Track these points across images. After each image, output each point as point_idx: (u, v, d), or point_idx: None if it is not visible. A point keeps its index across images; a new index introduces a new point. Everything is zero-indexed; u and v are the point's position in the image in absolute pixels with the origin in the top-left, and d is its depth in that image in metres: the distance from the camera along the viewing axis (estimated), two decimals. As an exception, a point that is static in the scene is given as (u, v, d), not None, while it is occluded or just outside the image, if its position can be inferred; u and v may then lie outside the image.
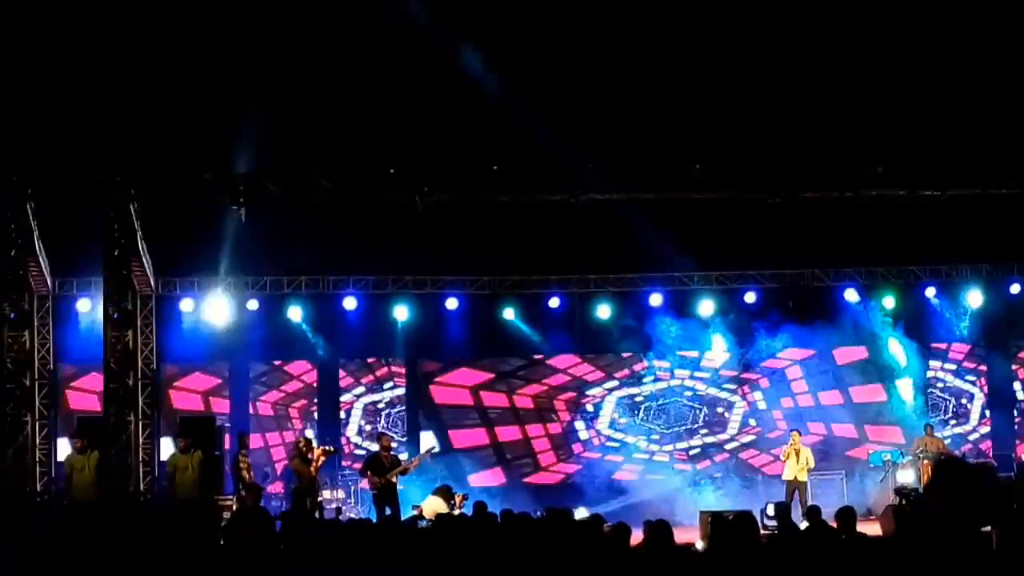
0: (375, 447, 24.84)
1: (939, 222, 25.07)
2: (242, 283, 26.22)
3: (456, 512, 21.97)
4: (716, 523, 11.60)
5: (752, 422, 28.41)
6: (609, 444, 28.30)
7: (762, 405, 28.40)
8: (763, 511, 20.83)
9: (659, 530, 11.45)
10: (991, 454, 27.35)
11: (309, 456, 23.23)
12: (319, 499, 23.01)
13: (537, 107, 23.22)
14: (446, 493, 22.21)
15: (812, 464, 24.64)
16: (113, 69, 22.15)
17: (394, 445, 25.16)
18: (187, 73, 22.35)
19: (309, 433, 26.14)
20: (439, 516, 14.09)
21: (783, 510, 16.63)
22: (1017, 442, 27.95)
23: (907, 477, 24.89)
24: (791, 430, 25.17)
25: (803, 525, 21.73)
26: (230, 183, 22.87)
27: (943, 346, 28.62)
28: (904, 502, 23.07)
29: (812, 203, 24.81)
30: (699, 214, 25.03)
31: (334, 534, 12.92)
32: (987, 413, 28.64)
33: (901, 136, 23.92)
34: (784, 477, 24.45)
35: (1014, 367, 28.72)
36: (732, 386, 28.57)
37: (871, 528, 22.50)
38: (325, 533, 13.36)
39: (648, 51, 23.47)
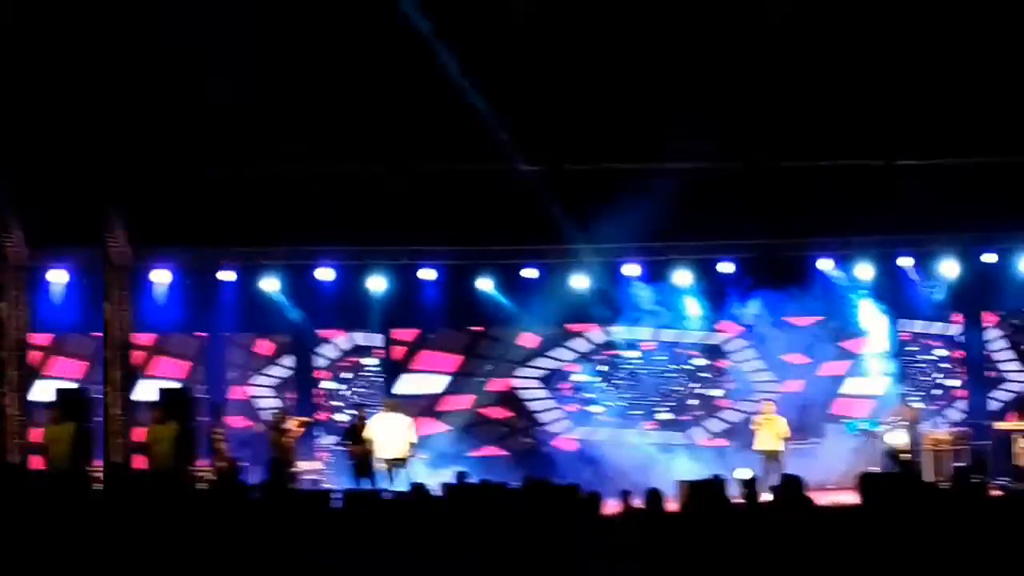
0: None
1: (915, 192, 25.09)
2: (217, 254, 26.11)
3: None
4: (692, 490, 11.58)
5: (727, 391, 28.42)
6: (583, 413, 28.27)
7: (737, 374, 28.40)
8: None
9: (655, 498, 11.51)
10: (966, 423, 27.37)
11: (285, 427, 23.24)
12: (295, 470, 23.02)
13: (514, 79, 23.23)
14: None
15: (786, 434, 24.70)
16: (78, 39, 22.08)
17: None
18: (158, 40, 22.23)
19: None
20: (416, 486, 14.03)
21: (750, 481, 16.61)
22: (991, 411, 28.02)
23: (897, 439, 24.98)
24: (764, 400, 25.22)
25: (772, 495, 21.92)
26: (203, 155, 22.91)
27: (918, 316, 28.65)
28: (894, 463, 23.16)
29: (788, 172, 24.84)
30: (674, 183, 25.00)
31: (312, 505, 12.93)
32: (962, 383, 28.71)
33: (877, 106, 23.94)
34: (756, 447, 24.50)
35: (988, 337, 28.78)
36: (707, 355, 28.57)
37: (848, 497, 22.66)
38: (303, 504, 13.37)
39: (623, 17, 23.40)
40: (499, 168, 24.48)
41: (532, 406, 28.36)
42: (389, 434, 23.29)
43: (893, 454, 24.23)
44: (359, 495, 12.81)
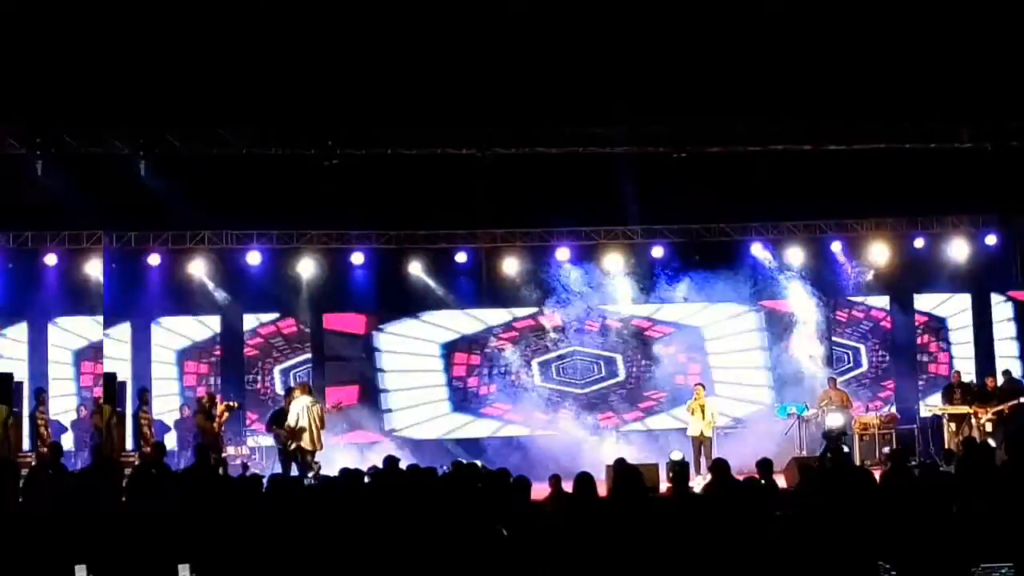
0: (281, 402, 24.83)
1: (844, 177, 25.20)
2: (144, 237, 25.90)
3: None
4: (620, 474, 11.53)
5: (657, 375, 28.45)
6: (512, 396, 28.24)
7: (667, 358, 28.43)
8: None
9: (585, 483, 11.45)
10: (894, 407, 27.52)
11: (212, 411, 23.08)
12: (223, 455, 22.88)
13: (443, 62, 23.11)
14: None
15: (717, 420, 24.79)
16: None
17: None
18: (84, 23, 21.96)
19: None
20: (346, 471, 13.91)
21: (680, 464, 16.65)
22: (919, 395, 28.21)
23: (836, 421, 25.07)
24: (695, 385, 25.26)
25: (706, 479, 21.97)
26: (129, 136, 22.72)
27: (848, 300, 28.80)
28: (832, 445, 23.23)
29: (718, 158, 24.88)
30: (606, 169, 25.00)
31: (242, 490, 12.81)
32: (890, 367, 28.88)
33: (805, 90, 23.98)
34: (689, 433, 24.52)
35: (917, 320, 28.97)
36: (637, 339, 28.58)
37: (777, 480, 22.75)
38: (232, 489, 13.25)
39: (555, 6, 23.35)
40: (429, 152, 24.37)
41: (463, 390, 28.24)
42: (309, 420, 23.16)
43: (833, 436, 24.30)
44: (284, 481, 12.69)
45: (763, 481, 14.37)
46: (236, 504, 11.55)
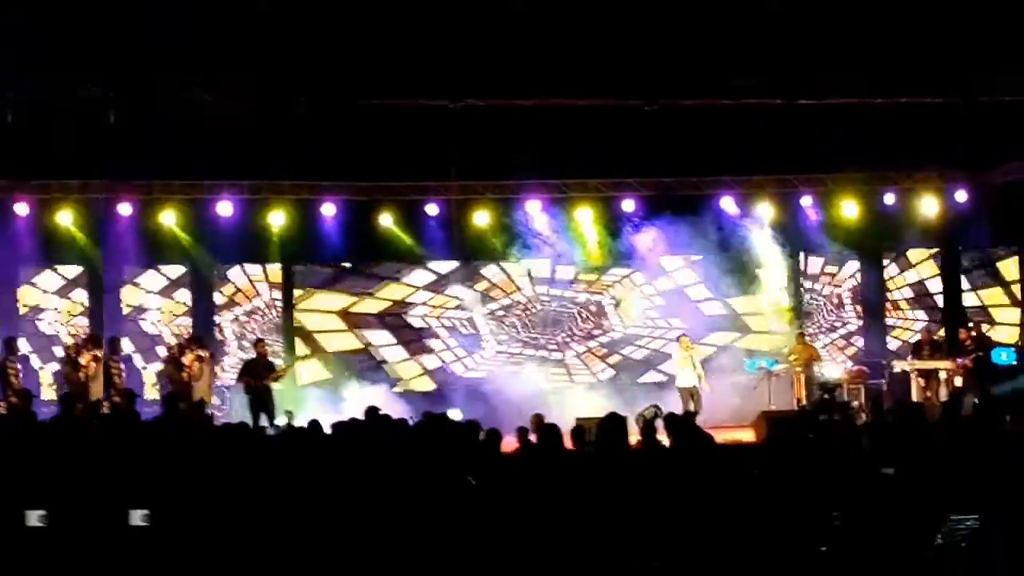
0: (251, 354, 24.86)
1: (816, 131, 25.22)
2: (111, 187, 25.76)
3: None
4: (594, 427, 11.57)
5: (626, 328, 28.52)
6: (478, 347, 28.34)
7: (636, 310, 28.48)
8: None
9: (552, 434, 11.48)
10: (863, 362, 27.60)
11: (182, 361, 23.08)
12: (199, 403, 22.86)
13: (417, 13, 23.06)
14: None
15: (700, 370, 24.78)
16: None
17: (269, 351, 25.12)
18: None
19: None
20: (314, 422, 13.92)
21: (649, 419, 16.62)
22: (888, 351, 28.31)
23: (834, 372, 25.23)
24: (679, 336, 25.22)
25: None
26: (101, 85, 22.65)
27: (817, 255, 28.85)
28: (828, 396, 23.27)
29: (689, 111, 24.88)
30: (578, 121, 24.99)
31: (211, 439, 12.82)
32: (860, 322, 28.98)
33: (777, 44, 23.99)
34: (678, 384, 24.53)
35: (886, 276, 29.06)
36: (610, 292, 28.60)
37: (744, 435, 22.85)
38: (202, 438, 13.26)
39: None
40: (401, 103, 24.34)
41: (430, 343, 28.25)
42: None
43: (830, 387, 24.38)
44: (249, 431, 12.71)
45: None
46: (195, 453, 11.55)
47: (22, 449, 11.84)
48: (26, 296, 26.78)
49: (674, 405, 21.20)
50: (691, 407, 23.54)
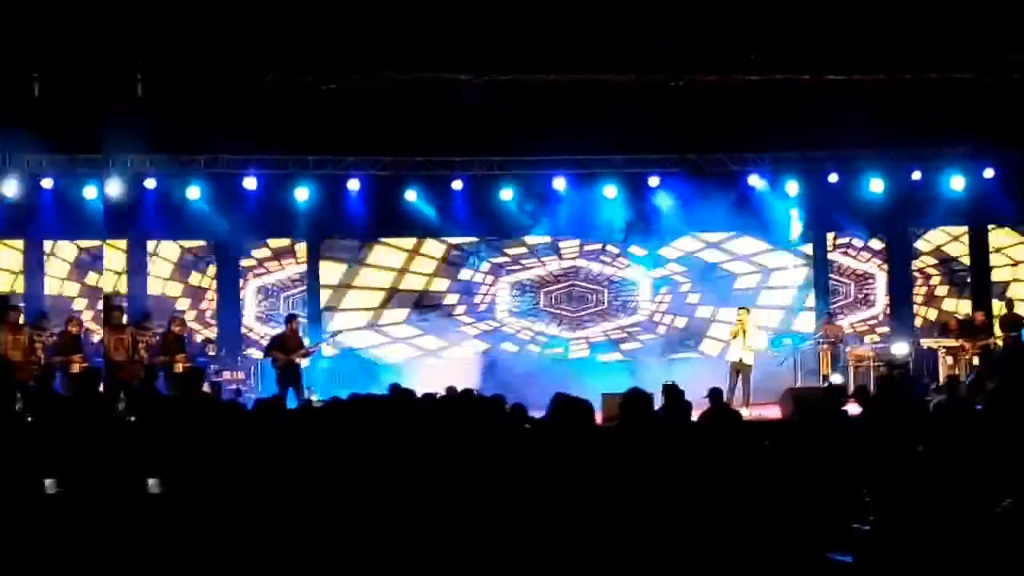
0: (277, 329, 24.91)
1: (843, 108, 25.10)
2: (141, 161, 25.77)
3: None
4: (617, 403, 11.48)
5: (654, 305, 28.48)
6: (508, 327, 28.31)
7: (669, 288, 28.49)
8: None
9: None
10: (890, 340, 27.54)
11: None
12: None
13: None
14: None
15: (759, 346, 24.56)
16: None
17: (302, 325, 25.17)
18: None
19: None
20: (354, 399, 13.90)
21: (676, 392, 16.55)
22: (915, 328, 28.24)
23: (900, 350, 25.18)
24: (739, 308, 25.07)
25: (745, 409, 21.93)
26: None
27: (845, 232, 28.77)
28: (896, 374, 23.17)
29: (716, 87, 24.79)
30: (603, 96, 24.92)
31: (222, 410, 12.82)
32: (886, 299, 28.89)
33: (804, 18, 23.86)
34: (727, 357, 24.40)
35: (913, 254, 28.95)
36: (637, 269, 28.53)
37: (770, 411, 22.80)
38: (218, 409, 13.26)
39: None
40: (426, 78, 24.30)
41: (459, 318, 28.24)
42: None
43: (894, 365, 24.33)
44: (268, 403, 12.68)
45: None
46: (214, 424, 11.54)
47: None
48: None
49: (706, 380, 20.80)
50: (735, 382, 23.44)
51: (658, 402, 11.79)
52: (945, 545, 7.93)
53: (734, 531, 8.43)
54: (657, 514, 8.49)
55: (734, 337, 24.15)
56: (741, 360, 23.82)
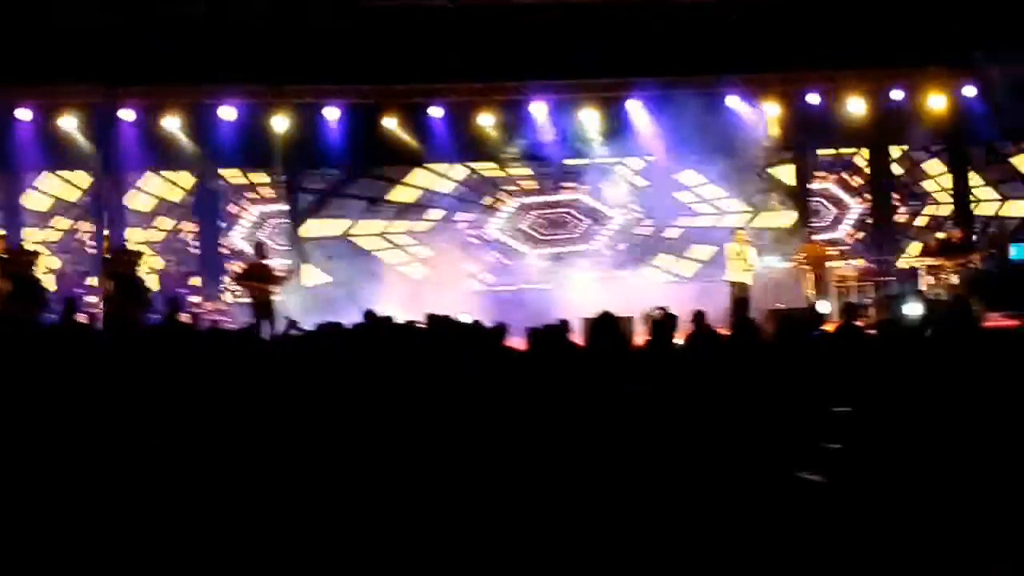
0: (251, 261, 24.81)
1: (822, 27, 25.01)
2: (115, 92, 25.59)
3: None
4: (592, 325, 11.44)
5: (634, 228, 28.46)
6: (488, 251, 28.27)
7: (644, 210, 28.44)
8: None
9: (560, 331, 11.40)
10: (872, 259, 27.59)
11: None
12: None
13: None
14: None
15: (755, 265, 24.61)
16: None
17: (271, 256, 25.05)
18: None
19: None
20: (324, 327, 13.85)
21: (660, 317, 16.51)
22: (896, 248, 28.27)
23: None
24: (735, 229, 25.05)
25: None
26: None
27: (826, 152, 28.73)
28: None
29: (693, 7, 24.68)
30: (581, 19, 24.82)
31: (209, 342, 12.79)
32: (867, 220, 28.88)
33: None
34: (726, 278, 24.39)
35: (894, 174, 28.93)
36: (618, 192, 28.44)
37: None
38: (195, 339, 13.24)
39: None
40: (402, 3, 24.18)
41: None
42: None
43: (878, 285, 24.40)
44: (254, 337, 12.67)
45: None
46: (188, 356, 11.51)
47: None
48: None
49: (690, 302, 20.57)
50: (741, 302, 23.49)
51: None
52: (917, 463, 7.92)
53: (705, 451, 8.40)
54: (626, 436, 8.47)
55: (734, 257, 24.19)
56: (740, 280, 23.90)
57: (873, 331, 13.72)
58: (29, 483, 7.69)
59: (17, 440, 8.28)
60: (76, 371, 10.45)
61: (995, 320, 20.86)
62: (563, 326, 11.85)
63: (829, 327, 15.77)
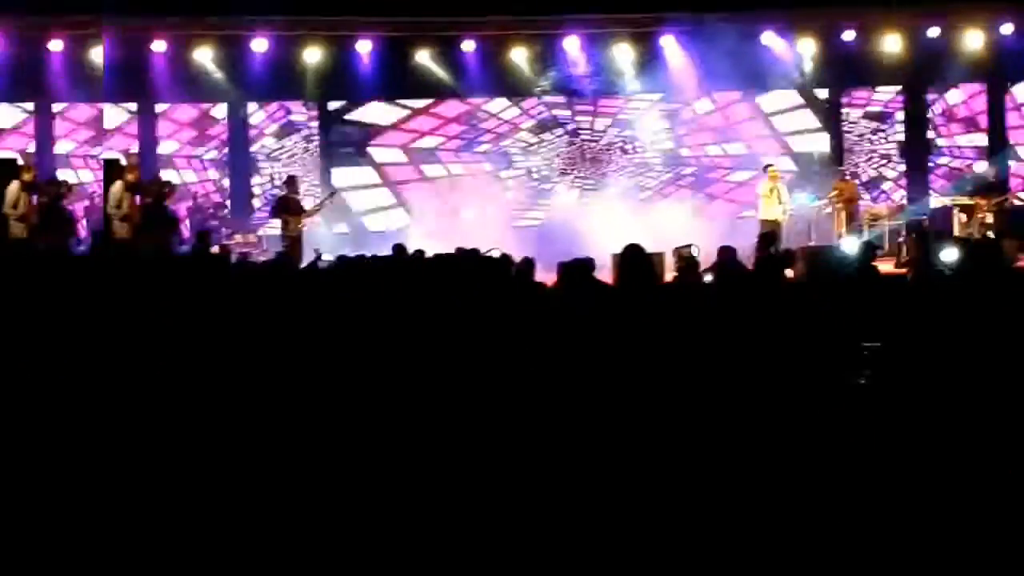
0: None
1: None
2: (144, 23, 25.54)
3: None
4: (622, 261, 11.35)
5: (668, 164, 28.36)
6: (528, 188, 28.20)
7: (688, 148, 28.35)
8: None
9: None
10: (906, 198, 27.43)
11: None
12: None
13: None
14: None
15: (789, 204, 24.47)
16: None
17: (303, 190, 25.07)
18: None
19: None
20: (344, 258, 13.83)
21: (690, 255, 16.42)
22: (931, 187, 28.10)
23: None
24: (766, 166, 24.93)
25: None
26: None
27: (861, 91, 28.51)
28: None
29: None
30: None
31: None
32: (902, 158, 28.68)
33: None
34: (760, 216, 24.23)
35: (930, 113, 28.70)
36: (654, 128, 28.29)
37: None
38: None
39: None
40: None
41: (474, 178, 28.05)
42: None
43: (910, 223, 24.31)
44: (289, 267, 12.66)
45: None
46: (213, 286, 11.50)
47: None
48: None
49: (721, 240, 20.37)
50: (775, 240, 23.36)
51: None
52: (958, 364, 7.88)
53: (731, 385, 8.35)
54: (671, 363, 8.42)
55: (768, 195, 24.03)
56: (775, 219, 23.76)
57: (904, 270, 13.67)
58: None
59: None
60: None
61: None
62: (590, 262, 11.76)
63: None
